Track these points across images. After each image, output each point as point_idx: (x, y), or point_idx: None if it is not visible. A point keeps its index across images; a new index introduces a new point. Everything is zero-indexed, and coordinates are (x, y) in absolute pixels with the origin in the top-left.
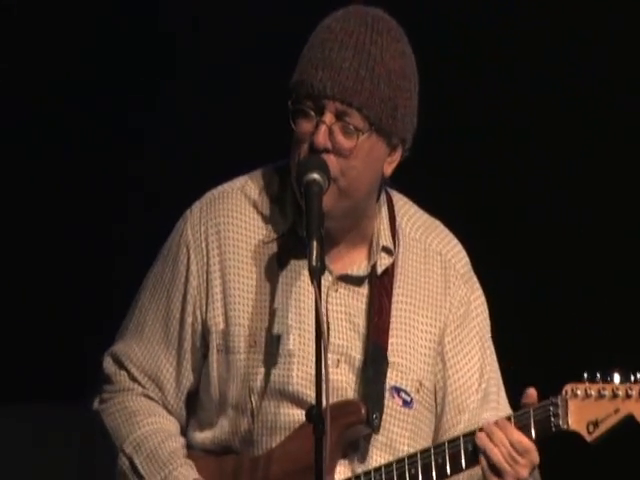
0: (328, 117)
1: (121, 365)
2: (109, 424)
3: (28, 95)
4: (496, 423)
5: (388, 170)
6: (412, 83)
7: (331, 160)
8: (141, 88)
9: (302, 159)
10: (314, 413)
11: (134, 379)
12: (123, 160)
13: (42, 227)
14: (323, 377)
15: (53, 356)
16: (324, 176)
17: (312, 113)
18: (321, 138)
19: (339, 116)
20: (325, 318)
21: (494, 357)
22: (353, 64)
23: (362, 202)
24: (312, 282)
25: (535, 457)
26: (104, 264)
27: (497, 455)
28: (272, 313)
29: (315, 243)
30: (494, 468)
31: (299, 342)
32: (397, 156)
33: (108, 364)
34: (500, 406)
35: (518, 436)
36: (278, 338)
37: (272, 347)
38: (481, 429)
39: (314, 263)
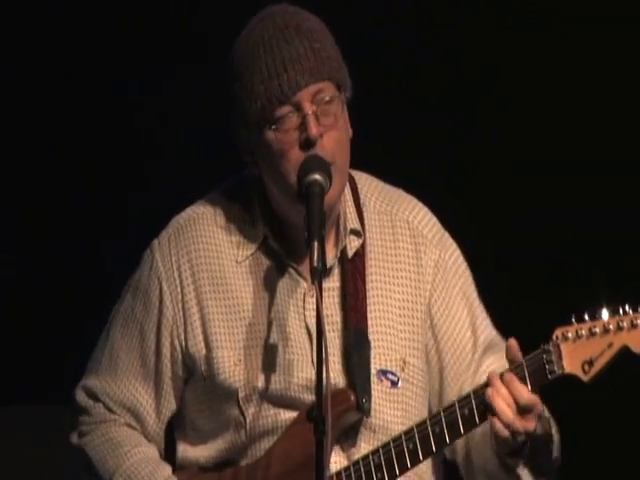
0: (308, 106)
1: (96, 399)
2: (94, 457)
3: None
4: (502, 379)
5: (349, 128)
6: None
7: (325, 144)
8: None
9: (303, 161)
10: (315, 414)
11: (111, 410)
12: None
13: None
14: (324, 378)
15: (53, 357)
16: (325, 177)
17: (291, 115)
18: (314, 129)
19: (314, 97)
20: (305, 325)
21: (482, 307)
22: (305, 45)
23: (346, 177)
24: (313, 282)
25: (539, 407)
26: (103, 261)
27: (508, 416)
28: (255, 328)
29: (316, 244)
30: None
31: (284, 352)
32: (346, 107)
33: (82, 398)
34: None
35: (519, 391)
36: (264, 352)
37: (260, 361)
38: (489, 385)
39: (315, 264)
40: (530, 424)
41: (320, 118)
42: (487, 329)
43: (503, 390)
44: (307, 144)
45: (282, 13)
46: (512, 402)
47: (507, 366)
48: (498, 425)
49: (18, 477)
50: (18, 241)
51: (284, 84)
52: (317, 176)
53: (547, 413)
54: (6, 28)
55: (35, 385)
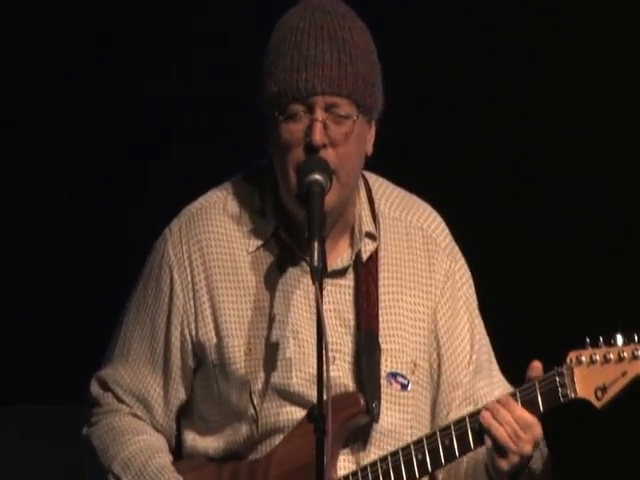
0: (319, 113)
1: (107, 387)
2: (97, 447)
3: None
4: (499, 401)
5: (370, 148)
6: (376, 55)
7: (329, 154)
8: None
9: (302, 162)
10: (315, 413)
11: (120, 400)
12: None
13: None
14: (324, 376)
15: (53, 357)
16: (326, 177)
17: (303, 115)
18: (318, 136)
19: (328, 108)
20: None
21: (482, 324)
22: (334, 54)
23: (353, 189)
24: (313, 283)
25: (538, 431)
26: (111, 260)
27: (502, 434)
28: (265, 319)
29: (317, 244)
30: (499, 447)
31: (294, 344)
32: (373, 131)
33: (94, 387)
34: (493, 373)
35: (520, 412)
36: (274, 343)
37: (269, 352)
38: (486, 408)
39: (316, 263)
40: (525, 446)
41: (329, 129)
42: (482, 348)
43: (500, 412)
44: (310, 149)
45: (326, 10)
46: (507, 423)
47: (495, 391)
48: (488, 443)
49: (18, 477)
50: (18, 243)
51: (301, 82)
52: (317, 176)
53: (545, 449)
54: (20, 22)
55: (35, 385)
